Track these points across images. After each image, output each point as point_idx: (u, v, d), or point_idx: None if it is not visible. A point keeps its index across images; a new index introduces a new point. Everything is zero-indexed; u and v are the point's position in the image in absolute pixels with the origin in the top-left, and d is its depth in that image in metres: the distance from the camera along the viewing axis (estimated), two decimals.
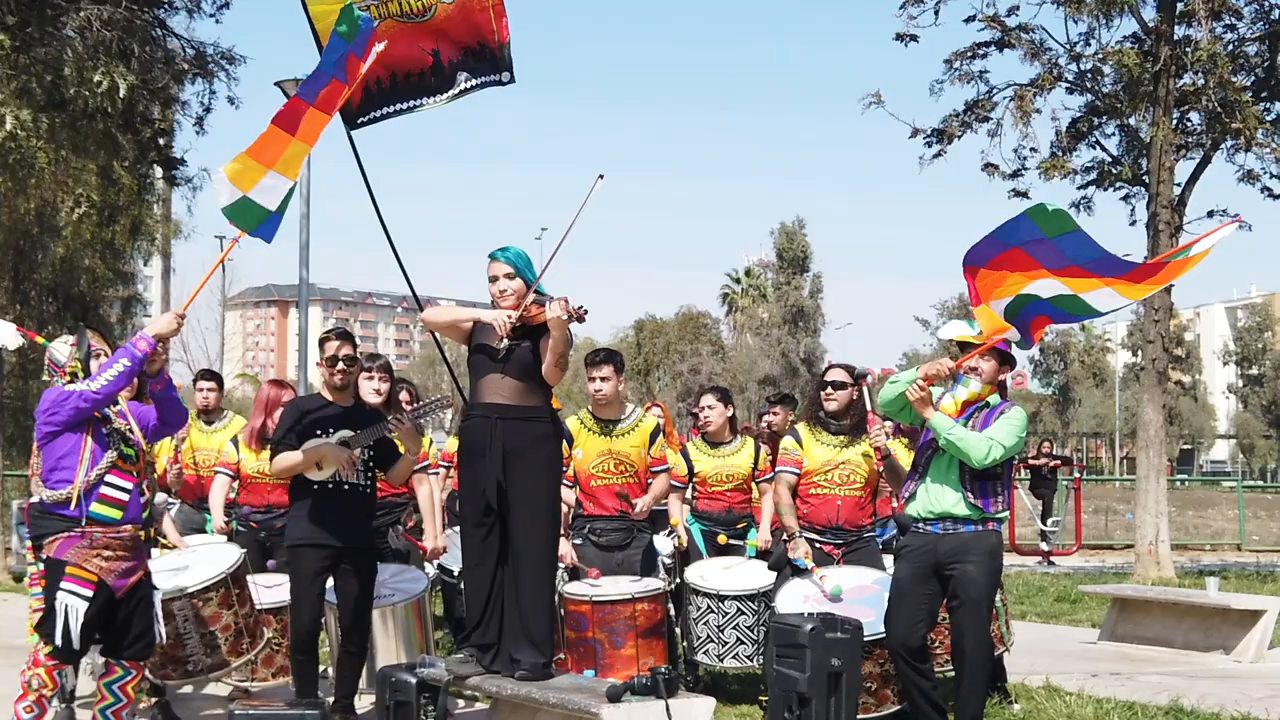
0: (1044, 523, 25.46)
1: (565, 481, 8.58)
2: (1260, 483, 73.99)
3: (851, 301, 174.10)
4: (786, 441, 8.92)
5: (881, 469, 8.42)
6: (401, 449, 8.06)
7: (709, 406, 9.90)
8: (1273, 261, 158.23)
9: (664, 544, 9.87)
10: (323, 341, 8.12)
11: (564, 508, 8.49)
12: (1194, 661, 11.88)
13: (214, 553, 8.61)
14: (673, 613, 8.81)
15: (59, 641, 6.87)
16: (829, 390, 8.68)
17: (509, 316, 7.07)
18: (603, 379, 8.92)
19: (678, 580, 9.36)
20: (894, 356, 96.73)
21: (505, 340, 7.13)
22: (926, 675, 7.47)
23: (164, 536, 9.13)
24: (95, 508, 6.98)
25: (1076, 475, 28.87)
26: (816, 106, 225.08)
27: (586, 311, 6.99)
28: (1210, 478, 75.56)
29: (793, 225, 74.17)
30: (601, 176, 7.31)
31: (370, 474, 7.99)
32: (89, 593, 6.91)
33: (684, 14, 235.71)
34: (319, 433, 7.84)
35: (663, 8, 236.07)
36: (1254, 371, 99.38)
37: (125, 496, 7.08)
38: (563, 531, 8.57)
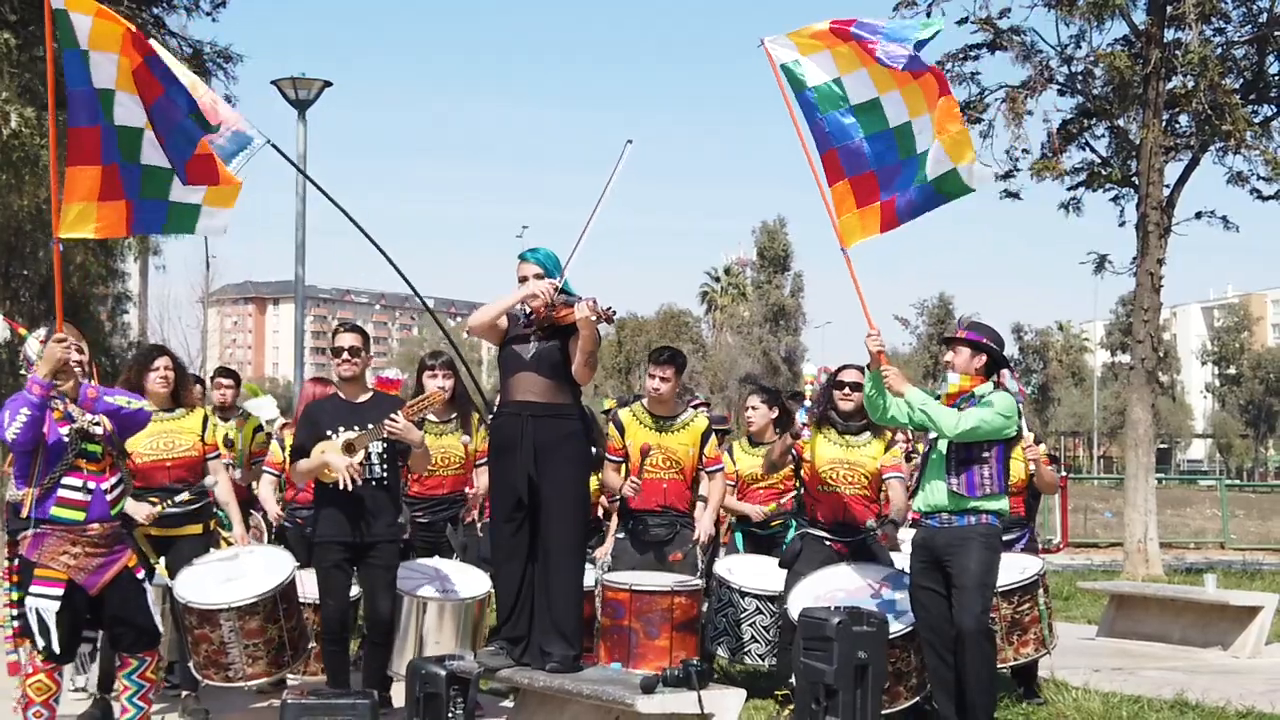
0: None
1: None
2: (1238, 481, 74.27)
3: (831, 300, 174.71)
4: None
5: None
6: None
7: (753, 407, 10.01)
8: (1249, 262, 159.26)
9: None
10: (332, 335, 8.31)
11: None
12: (1193, 657, 12.06)
13: (268, 562, 8.53)
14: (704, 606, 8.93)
15: (40, 646, 6.87)
16: (846, 390, 8.76)
17: (554, 286, 7.16)
18: (663, 379, 8.99)
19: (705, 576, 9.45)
20: None
21: (541, 317, 7.21)
22: (951, 667, 7.62)
23: (225, 529, 9.13)
24: (55, 511, 6.88)
25: (1063, 474, 29.05)
26: None
27: (615, 312, 7.10)
28: (1188, 477, 75.91)
29: (774, 224, 74.48)
30: (630, 142, 7.40)
31: (388, 467, 8.08)
32: (58, 592, 6.87)
33: (666, 13, 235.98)
34: (329, 432, 7.92)
35: (645, 7, 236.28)
36: (1231, 371, 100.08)
37: (86, 497, 6.94)
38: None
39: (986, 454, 7.63)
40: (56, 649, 6.89)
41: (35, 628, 6.86)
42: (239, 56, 20.25)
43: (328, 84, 20.77)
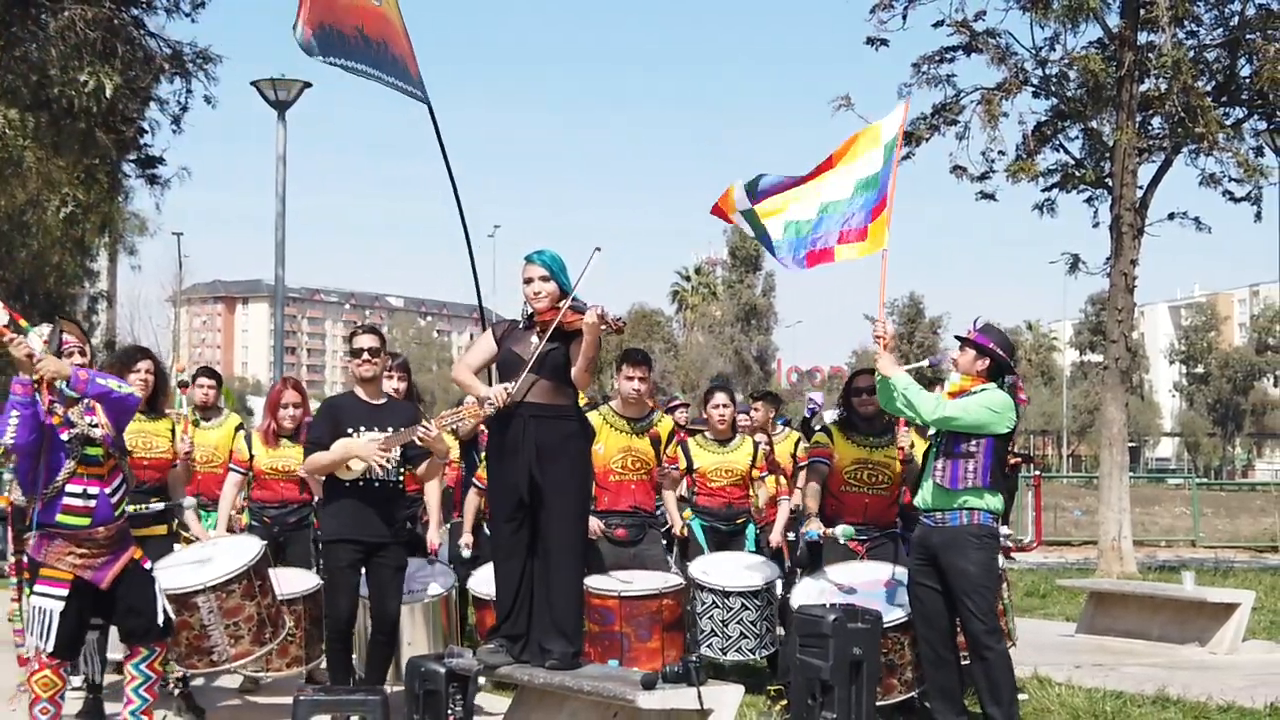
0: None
1: None
2: (1207, 480, 74.69)
3: (802, 299, 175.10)
4: (819, 436, 9.19)
5: (904, 469, 8.78)
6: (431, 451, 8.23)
7: (723, 405, 10.11)
8: (1216, 261, 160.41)
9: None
10: (350, 338, 8.41)
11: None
12: (1172, 653, 12.22)
13: (236, 545, 8.67)
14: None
15: (43, 644, 6.91)
16: (864, 396, 8.88)
17: (506, 391, 7.23)
18: (640, 379, 9.17)
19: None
20: (843, 354, 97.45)
21: (548, 321, 7.28)
22: (947, 664, 7.74)
23: (186, 529, 9.19)
24: (61, 518, 6.89)
25: (1037, 473, 29.19)
26: (772, 105, 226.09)
27: (624, 323, 7.19)
28: (1156, 475, 76.32)
29: None
30: (598, 249, 7.38)
31: (400, 471, 8.19)
32: (63, 592, 6.90)
33: (641, 11, 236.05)
34: (350, 431, 8.01)
35: (622, 4, 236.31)
36: (1199, 370, 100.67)
37: (91, 503, 6.95)
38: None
39: (974, 448, 7.71)
40: (52, 647, 6.92)
41: (38, 626, 6.91)
42: (219, 57, 20.23)
43: (307, 85, 20.84)
